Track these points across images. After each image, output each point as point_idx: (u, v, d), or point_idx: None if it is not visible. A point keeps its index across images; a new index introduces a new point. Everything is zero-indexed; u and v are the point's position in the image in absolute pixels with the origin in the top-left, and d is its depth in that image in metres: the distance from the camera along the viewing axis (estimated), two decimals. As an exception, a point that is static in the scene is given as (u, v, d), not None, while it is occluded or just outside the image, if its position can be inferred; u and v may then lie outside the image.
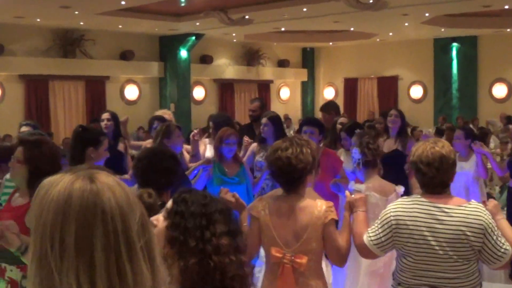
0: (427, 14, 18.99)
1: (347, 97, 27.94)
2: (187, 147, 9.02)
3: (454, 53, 24.51)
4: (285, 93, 28.24)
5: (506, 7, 18.08)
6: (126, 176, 6.92)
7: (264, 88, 27.14)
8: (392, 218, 4.27)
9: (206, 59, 24.33)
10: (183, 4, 16.82)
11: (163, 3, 16.27)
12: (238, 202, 4.43)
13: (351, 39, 24.91)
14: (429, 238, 4.12)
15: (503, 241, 4.14)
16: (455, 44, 24.33)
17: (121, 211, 1.82)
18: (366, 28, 22.33)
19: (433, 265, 4.13)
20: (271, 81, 27.47)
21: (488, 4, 17.23)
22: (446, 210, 4.14)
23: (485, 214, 4.14)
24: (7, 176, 6.20)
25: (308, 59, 28.87)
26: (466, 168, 8.77)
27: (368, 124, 15.14)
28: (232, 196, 4.41)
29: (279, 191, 4.76)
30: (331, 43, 26.75)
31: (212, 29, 20.72)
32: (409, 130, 18.81)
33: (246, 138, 8.87)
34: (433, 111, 24.81)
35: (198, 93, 24.54)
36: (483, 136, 14.38)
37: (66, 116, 19.97)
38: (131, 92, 22.63)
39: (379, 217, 4.39)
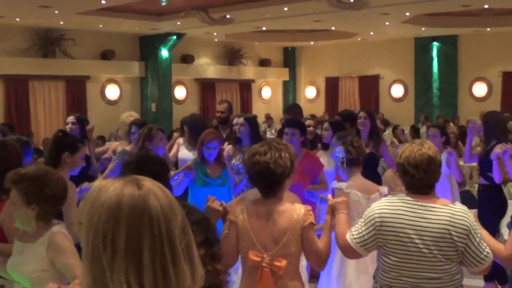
0: (407, 14, 19.03)
1: (328, 96, 28.06)
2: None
3: (434, 52, 24.74)
4: (266, 92, 28.34)
5: (486, 6, 18.27)
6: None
7: (246, 87, 27.23)
8: (376, 216, 4.25)
9: (187, 59, 24.39)
10: (164, 3, 16.94)
11: (143, 2, 16.28)
12: (225, 210, 4.42)
13: (332, 39, 25.01)
14: (414, 236, 4.11)
15: (485, 245, 4.13)
16: (435, 44, 24.59)
17: (165, 216, 2.03)
18: (347, 28, 22.40)
19: (417, 264, 4.12)
20: (253, 81, 27.56)
21: (468, 4, 17.33)
22: (432, 209, 4.15)
23: (469, 216, 4.15)
24: None
25: (290, 59, 29.01)
26: None
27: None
28: (219, 205, 4.40)
29: (257, 192, 4.74)
30: (312, 43, 26.81)
31: (193, 29, 20.78)
32: (390, 129, 18.97)
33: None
34: (414, 110, 24.98)
35: (180, 92, 24.61)
36: (462, 135, 14.58)
37: (47, 116, 19.94)
38: (112, 92, 22.63)
39: (363, 216, 4.37)
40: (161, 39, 22.41)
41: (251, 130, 8.56)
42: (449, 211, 4.14)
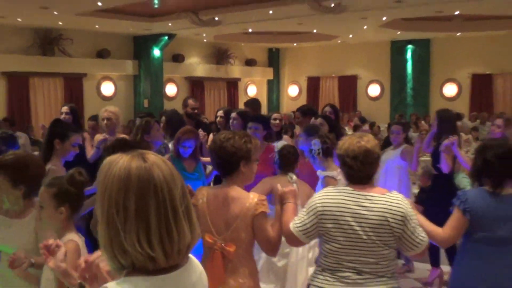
0: (384, 18, 19.05)
1: (310, 95, 28.03)
2: None
3: (409, 54, 24.83)
4: (252, 90, 28.24)
5: (457, 12, 18.30)
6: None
7: (233, 85, 27.21)
8: (318, 205, 4.22)
9: (178, 58, 24.35)
10: (156, 6, 16.84)
11: (137, 4, 16.22)
12: None
13: (314, 41, 25.06)
14: (354, 223, 4.10)
15: (420, 230, 4.17)
16: (410, 46, 24.67)
17: (167, 184, 2.24)
18: (328, 30, 22.43)
19: (356, 250, 4.11)
20: (239, 79, 27.52)
21: (441, 10, 17.45)
22: (370, 197, 4.14)
23: (405, 203, 4.16)
24: None
25: (274, 59, 29.00)
26: (391, 156, 8.89)
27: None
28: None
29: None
30: (295, 44, 26.79)
31: (183, 30, 20.68)
32: (367, 125, 19.04)
33: (202, 132, 8.66)
34: (389, 108, 25.08)
35: (170, 90, 24.55)
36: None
37: (46, 111, 19.90)
38: (107, 88, 22.56)
39: (305, 206, 4.33)
40: (154, 39, 22.34)
41: (243, 123, 8.67)
42: (386, 199, 4.14)
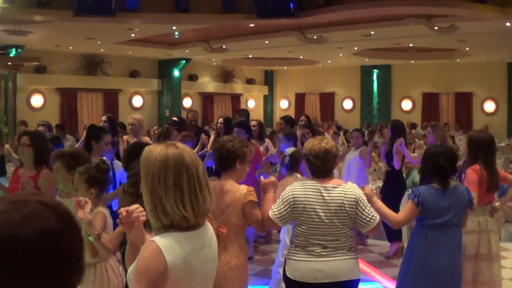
0: (355, 48, 19.14)
1: (297, 107, 27.65)
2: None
3: (374, 76, 24.66)
4: (251, 103, 27.91)
5: (411, 45, 18.48)
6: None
7: (236, 99, 27.01)
8: (290, 196, 4.22)
9: (193, 77, 24.28)
10: (176, 37, 16.86)
11: (162, 35, 16.26)
12: None
13: (300, 65, 24.87)
14: (319, 210, 4.13)
15: (371, 210, 4.20)
16: (375, 70, 24.51)
17: (194, 163, 2.48)
18: (311, 57, 22.38)
19: (321, 231, 4.15)
20: (241, 95, 27.33)
21: (398, 43, 17.66)
22: (330, 188, 4.19)
23: (357, 190, 4.22)
24: None
25: (269, 78, 28.79)
26: (353, 155, 8.98)
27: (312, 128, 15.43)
28: None
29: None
30: (285, 67, 26.55)
31: (198, 55, 20.72)
32: (342, 132, 19.23)
33: (204, 136, 8.73)
34: (359, 118, 24.78)
35: (187, 102, 24.45)
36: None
37: (89, 118, 19.68)
38: (137, 101, 22.59)
39: (280, 197, 4.30)
40: (174, 62, 22.34)
41: (259, 130, 8.88)
42: (342, 189, 4.18)
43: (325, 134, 16.19)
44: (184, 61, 22.38)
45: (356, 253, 4.32)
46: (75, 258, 1.47)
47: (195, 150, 8.46)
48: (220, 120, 9.33)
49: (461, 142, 14.77)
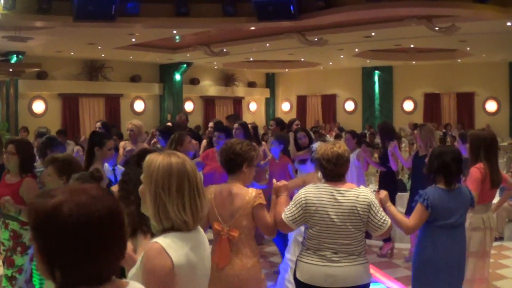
0: (356, 50, 19.13)
1: (299, 110, 27.72)
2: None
3: (376, 78, 24.64)
4: (253, 106, 28.12)
5: (412, 46, 18.48)
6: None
7: (237, 103, 27.04)
8: (302, 199, 4.25)
9: (194, 81, 24.29)
10: (177, 41, 16.92)
11: (162, 40, 16.30)
12: None
13: (302, 67, 24.91)
14: (331, 213, 4.16)
15: (383, 214, 4.25)
16: (376, 72, 24.50)
17: (193, 172, 2.64)
18: (312, 59, 22.38)
19: (334, 234, 4.17)
20: (243, 98, 27.33)
21: (399, 44, 17.62)
22: (342, 192, 4.22)
23: (370, 195, 4.26)
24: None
25: (270, 81, 28.77)
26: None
27: (314, 130, 15.45)
28: None
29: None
30: (287, 70, 26.53)
31: (199, 59, 20.69)
32: (344, 134, 19.20)
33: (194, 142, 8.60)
34: (361, 120, 24.76)
35: (188, 106, 24.42)
36: (396, 139, 14.53)
37: (91, 123, 19.22)
38: (139, 105, 22.60)
39: (293, 200, 4.35)
40: (175, 66, 22.35)
41: (245, 133, 8.70)
42: (355, 192, 4.22)
43: (327, 136, 16.25)
44: (185, 65, 22.39)
45: (366, 258, 4.36)
46: (124, 234, 1.81)
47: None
48: (211, 124, 9.35)
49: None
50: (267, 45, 17.22)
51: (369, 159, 9.26)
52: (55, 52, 17.53)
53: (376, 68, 24.36)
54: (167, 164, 2.60)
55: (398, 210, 5.02)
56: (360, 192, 4.25)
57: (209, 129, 9.73)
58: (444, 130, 19.82)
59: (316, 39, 15.45)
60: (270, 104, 28.99)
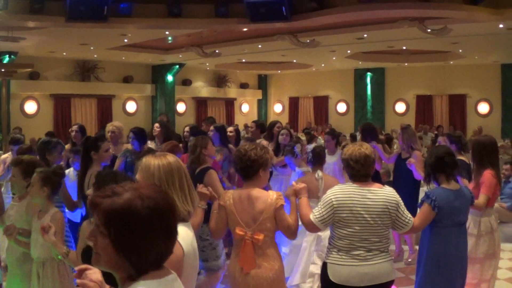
0: (348, 51, 19.18)
1: (291, 111, 27.78)
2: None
3: (368, 79, 24.67)
4: (245, 108, 28.10)
5: (404, 47, 18.55)
6: None
7: (230, 104, 27.03)
8: (332, 199, 4.30)
9: (186, 82, 24.25)
10: (169, 42, 16.94)
11: (154, 41, 16.30)
12: (211, 194, 4.42)
13: (294, 68, 24.92)
14: (363, 212, 4.23)
15: (408, 213, 4.42)
16: (369, 73, 24.52)
17: (185, 169, 3.05)
18: (304, 60, 22.33)
19: (366, 232, 4.24)
20: (235, 99, 27.31)
21: (391, 45, 17.68)
22: (373, 191, 4.32)
23: (396, 194, 4.39)
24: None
25: (262, 83, 28.77)
26: (332, 160, 8.77)
27: (306, 131, 15.44)
28: (206, 190, 4.41)
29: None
30: (279, 71, 26.54)
31: (191, 60, 20.76)
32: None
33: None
34: (353, 122, 24.75)
35: (181, 107, 24.42)
36: (388, 140, 14.39)
37: (83, 124, 19.53)
38: (131, 106, 22.52)
39: (321, 201, 4.41)
40: (167, 67, 22.36)
41: (220, 135, 8.66)
42: (384, 191, 4.34)
43: (319, 138, 16.26)
44: (177, 66, 22.40)
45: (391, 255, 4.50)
46: (176, 222, 2.02)
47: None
48: (186, 129, 9.25)
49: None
50: (259, 46, 17.21)
51: (382, 155, 9.25)
52: (47, 52, 17.52)
53: (368, 69, 24.39)
54: (167, 163, 2.94)
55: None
56: (388, 192, 4.39)
57: (184, 133, 9.59)
58: (436, 132, 19.88)
59: (308, 41, 15.53)
60: (263, 105, 29.00)
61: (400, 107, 24.79)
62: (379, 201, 4.28)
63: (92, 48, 16.90)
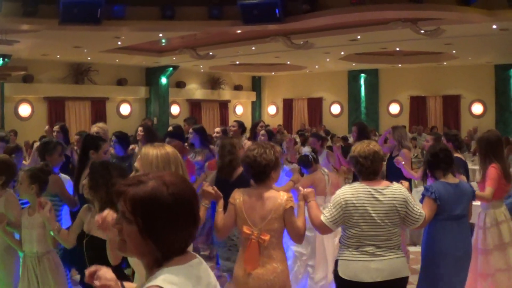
0: (342, 53, 19.22)
1: (285, 113, 27.90)
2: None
3: (362, 81, 24.78)
4: (239, 109, 28.18)
5: (397, 49, 18.60)
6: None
7: (224, 106, 27.09)
8: (341, 200, 4.33)
9: (180, 84, 24.33)
10: (163, 44, 16.95)
11: (148, 43, 16.33)
12: (217, 193, 4.35)
13: (288, 70, 24.96)
14: (371, 211, 4.26)
15: (418, 207, 4.47)
16: (362, 75, 24.63)
17: (181, 159, 3.34)
18: (298, 62, 22.47)
19: (374, 231, 4.27)
20: (229, 101, 27.38)
21: (385, 47, 17.77)
22: (380, 190, 4.34)
23: (405, 190, 4.44)
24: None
25: (256, 85, 28.84)
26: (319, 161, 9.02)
27: (300, 133, 15.45)
28: (212, 189, 4.34)
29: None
30: (273, 73, 26.56)
31: (185, 62, 20.78)
32: (329, 137, 19.23)
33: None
34: (347, 123, 24.73)
35: (175, 110, 24.50)
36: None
37: (77, 127, 19.47)
38: (125, 109, 22.60)
39: (331, 201, 4.45)
40: (161, 70, 22.40)
41: (200, 137, 8.68)
42: (391, 190, 4.36)
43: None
44: (171, 68, 22.45)
45: (402, 252, 4.51)
46: (198, 208, 2.09)
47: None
48: (140, 129, 8.95)
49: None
50: (253, 48, 17.26)
51: (341, 157, 9.40)
52: (41, 55, 17.52)
53: (362, 71, 24.46)
54: (165, 153, 3.19)
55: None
56: (395, 189, 4.41)
57: (138, 132, 9.22)
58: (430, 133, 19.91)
59: (302, 42, 15.51)
60: (257, 107, 29.09)
61: (394, 108, 24.89)
62: (387, 200, 4.31)
63: (85, 50, 16.91)
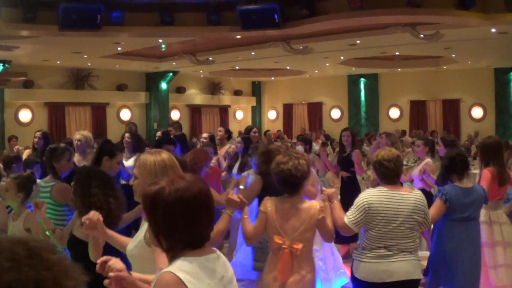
0: (341, 58, 19.22)
1: (285, 118, 27.89)
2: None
3: (362, 85, 24.74)
4: (239, 115, 28.20)
5: (397, 53, 18.64)
6: None
7: (224, 111, 27.08)
8: (365, 203, 4.45)
9: (180, 90, 24.34)
10: (163, 49, 16.98)
11: (148, 48, 16.36)
12: (242, 201, 4.22)
13: (288, 75, 24.98)
14: (392, 215, 4.40)
15: (429, 213, 4.69)
16: (362, 79, 24.59)
17: (178, 165, 3.32)
18: (298, 67, 22.42)
19: (390, 234, 4.41)
20: (229, 106, 27.37)
21: (384, 51, 17.76)
22: (402, 195, 4.50)
23: (424, 198, 4.60)
24: (42, 181, 5.96)
25: (256, 90, 28.84)
26: None
27: (301, 137, 15.46)
28: (237, 197, 4.22)
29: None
30: (273, 78, 26.59)
31: (185, 68, 20.81)
32: (328, 142, 19.21)
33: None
34: None
35: (175, 115, 24.43)
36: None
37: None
38: (125, 114, 22.57)
39: (354, 204, 4.54)
40: (161, 75, 22.41)
41: (181, 145, 8.70)
42: (413, 196, 4.53)
43: (314, 144, 16.19)
44: (171, 74, 22.44)
45: (418, 256, 4.64)
46: (212, 209, 2.31)
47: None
48: (127, 135, 8.76)
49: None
50: (253, 53, 17.27)
51: (326, 161, 9.68)
52: (41, 61, 17.56)
53: (362, 75, 24.46)
54: (161, 159, 3.23)
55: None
56: (417, 195, 4.60)
57: (125, 139, 9.13)
58: (430, 138, 19.88)
59: (301, 47, 15.58)
60: (257, 112, 29.08)
61: (394, 113, 24.91)
62: (409, 206, 4.48)
63: (85, 56, 16.94)
